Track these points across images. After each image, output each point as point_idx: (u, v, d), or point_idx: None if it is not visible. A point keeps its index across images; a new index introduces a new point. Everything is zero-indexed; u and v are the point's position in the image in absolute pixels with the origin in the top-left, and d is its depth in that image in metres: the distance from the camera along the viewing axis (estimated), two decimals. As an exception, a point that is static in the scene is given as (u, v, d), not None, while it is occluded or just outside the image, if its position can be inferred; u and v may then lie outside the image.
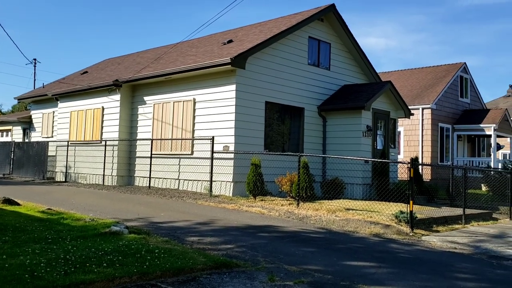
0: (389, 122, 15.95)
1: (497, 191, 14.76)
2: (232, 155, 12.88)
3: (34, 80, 46.52)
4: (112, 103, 16.58)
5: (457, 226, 10.57)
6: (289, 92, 14.64)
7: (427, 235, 9.09)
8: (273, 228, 8.71)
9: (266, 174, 12.85)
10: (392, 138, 16.34)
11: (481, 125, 22.46)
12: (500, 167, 21.35)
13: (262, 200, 12.07)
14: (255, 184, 11.95)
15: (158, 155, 15.00)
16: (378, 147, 15.26)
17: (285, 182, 12.44)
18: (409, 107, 17.77)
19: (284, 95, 14.49)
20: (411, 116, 17.65)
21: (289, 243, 7.41)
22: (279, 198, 12.43)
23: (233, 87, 13.10)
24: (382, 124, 15.67)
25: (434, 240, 8.60)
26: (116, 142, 16.06)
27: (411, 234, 8.89)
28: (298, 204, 11.13)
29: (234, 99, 13.04)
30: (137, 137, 16.01)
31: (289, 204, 11.39)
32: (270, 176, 13.15)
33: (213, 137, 13.03)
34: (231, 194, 12.84)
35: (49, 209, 9.59)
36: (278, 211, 10.54)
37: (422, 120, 21.61)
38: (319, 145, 15.47)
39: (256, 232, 8.26)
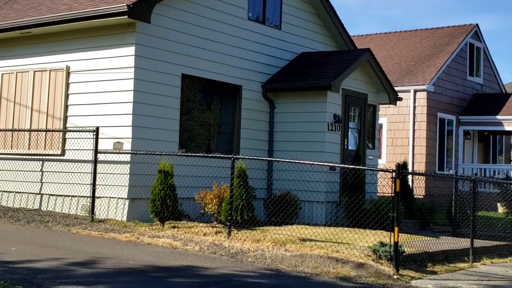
0: (367, 110, 16.46)
1: (519, 214, 15.66)
2: (128, 157, 12.76)
3: None
4: None
5: (462, 264, 11.09)
6: (218, 61, 14.69)
7: (419, 278, 9.45)
8: (192, 271, 8.67)
9: (181, 186, 12.80)
10: (370, 133, 16.85)
11: (498, 117, 23.72)
12: (524, 178, 22.66)
13: (174, 226, 12.04)
14: (163, 202, 11.89)
15: (8, 156, 14.54)
16: (350, 147, 15.69)
17: (211, 199, 12.46)
18: (396, 88, 18.40)
19: (212, 66, 14.52)
20: (398, 102, 18.27)
21: (215, 292, 7.44)
22: (201, 224, 12.47)
23: (131, 50, 12.96)
24: (357, 113, 16.13)
25: (429, 286, 8.96)
26: None
27: (395, 277, 9.21)
28: (229, 233, 11.20)
29: (133, 69, 12.90)
30: (-26, 127, 15.37)
31: (216, 233, 11.43)
32: (188, 189, 13.13)
33: (97, 127, 12.82)
34: (125, 218, 12.73)
35: None
36: (199, 244, 10.54)
37: (414, 107, 22.49)
38: (263, 143, 15.65)
39: (165, 276, 8.18)
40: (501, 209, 19.86)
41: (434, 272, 10.04)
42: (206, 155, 13.21)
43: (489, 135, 26.64)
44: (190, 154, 12.90)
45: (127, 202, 12.81)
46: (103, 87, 13.32)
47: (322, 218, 14.55)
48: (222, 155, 12.63)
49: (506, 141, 27.61)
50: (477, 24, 25.56)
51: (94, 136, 12.79)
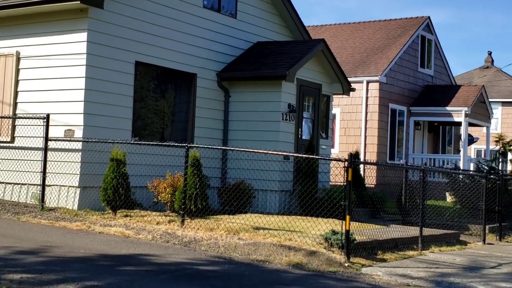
0: (321, 100, 16.58)
1: (467, 203, 16.00)
2: (79, 145, 12.61)
3: None
4: None
5: (411, 252, 11.31)
6: (173, 48, 14.58)
7: (369, 265, 9.61)
8: (144, 259, 8.67)
9: (134, 175, 12.72)
10: (324, 123, 17.00)
11: (448, 108, 24.22)
12: (472, 168, 23.20)
13: (126, 215, 11.97)
14: (115, 191, 11.81)
15: (-44, 143, 14.17)
16: (303, 137, 15.80)
17: (164, 188, 12.41)
18: (349, 79, 18.58)
19: (166, 53, 14.41)
20: (351, 93, 18.48)
21: (168, 281, 7.43)
22: (154, 213, 12.41)
23: (84, 36, 12.77)
24: (311, 103, 16.23)
25: (379, 273, 9.12)
26: None
27: (346, 264, 9.34)
28: (183, 222, 11.19)
29: (85, 56, 12.73)
30: None
31: (170, 222, 11.40)
32: (141, 178, 13.05)
33: (48, 114, 12.65)
34: (76, 207, 12.60)
35: None
36: (151, 233, 10.52)
37: (367, 98, 22.77)
38: (218, 132, 15.64)
39: (116, 265, 8.16)
40: (449, 198, 20.28)
41: (384, 260, 10.21)
42: (159, 143, 13.13)
43: (439, 126, 27.17)
44: (143, 142, 12.82)
45: (78, 190, 12.67)
46: (54, 73, 13.12)
47: (275, 206, 14.62)
48: (176, 144, 12.56)
49: (455, 131, 28.21)
50: (428, 17, 25.99)
51: (45, 123, 12.64)
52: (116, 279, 7.22)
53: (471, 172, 19.36)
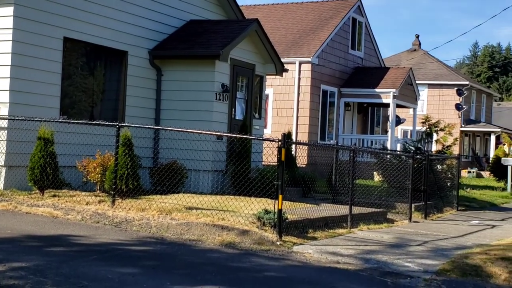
0: (254, 80, 16.59)
1: (394, 183, 16.45)
2: (5, 123, 12.27)
3: None
4: None
5: (341, 230, 11.55)
6: (103, 25, 14.26)
7: (301, 244, 9.76)
8: (73, 239, 8.58)
9: (63, 154, 12.50)
10: (257, 104, 17.04)
11: (377, 90, 24.74)
12: (399, 148, 23.81)
13: (54, 195, 11.78)
14: (43, 171, 11.57)
15: None
16: (237, 117, 15.79)
17: (94, 168, 12.25)
18: (282, 59, 18.63)
19: (96, 30, 14.08)
20: (284, 73, 18.56)
21: (98, 261, 7.37)
22: (84, 193, 12.24)
23: (10, 10, 12.37)
24: (244, 83, 16.22)
25: (310, 251, 9.28)
26: None
27: (278, 243, 9.45)
28: (113, 202, 11.07)
29: (11, 31, 12.35)
30: None
31: (100, 202, 11.28)
32: (70, 157, 12.83)
33: (-28, 92, 12.18)
34: (1, 186, 12.31)
35: None
36: (81, 213, 10.40)
37: (299, 79, 22.97)
38: (150, 111, 15.45)
39: (45, 245, 8.05)
40: (377, 177, 20.76)
41: (315, 238, 10.39)
42: (89, 122, 12.87)
43: (368, 107, 27.76)
44: (72, 121, 12.56)
45: (4, 169, 12.36)
46: (-22, 49, 12.65)
47: (208, 187, 14.61)
48: (106, 123, 12.34)
49: (383, 113, 28.87)
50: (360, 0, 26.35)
51: (-32, 100, 12.20)
52: (44, 260, 7.11)
53: (398, 152, 19.85)
